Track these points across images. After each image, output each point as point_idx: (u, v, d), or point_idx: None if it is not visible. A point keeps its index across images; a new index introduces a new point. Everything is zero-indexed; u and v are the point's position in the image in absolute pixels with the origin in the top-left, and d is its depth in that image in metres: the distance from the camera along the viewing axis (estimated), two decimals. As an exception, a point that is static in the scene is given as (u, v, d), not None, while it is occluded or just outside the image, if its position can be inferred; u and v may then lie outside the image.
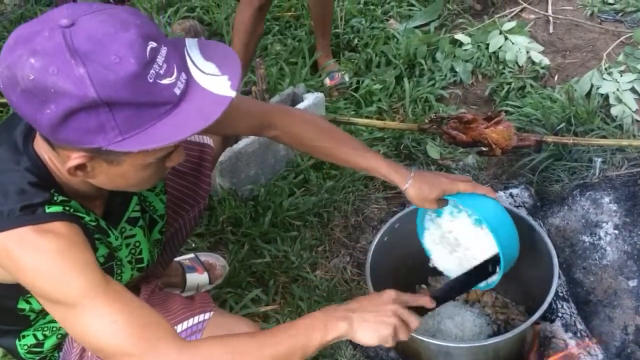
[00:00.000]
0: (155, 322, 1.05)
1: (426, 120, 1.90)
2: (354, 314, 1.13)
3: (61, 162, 1.08)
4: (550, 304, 1.55)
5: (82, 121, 0.94)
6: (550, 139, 1.87)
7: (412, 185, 1.43)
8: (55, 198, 1.08)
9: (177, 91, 0.98)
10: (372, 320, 1.13)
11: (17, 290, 1.15)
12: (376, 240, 1.66)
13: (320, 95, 2.30)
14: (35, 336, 1.32)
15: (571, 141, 1.84)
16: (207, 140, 1.60)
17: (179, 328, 1.31)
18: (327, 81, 2.65)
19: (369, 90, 2.59)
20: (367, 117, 2.44)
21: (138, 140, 0.96)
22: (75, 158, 1.01)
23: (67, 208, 1.09)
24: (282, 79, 2.56)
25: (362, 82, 2.63)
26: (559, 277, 1.73)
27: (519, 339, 1.46)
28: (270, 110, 1.49)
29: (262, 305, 1.85)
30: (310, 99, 2.27)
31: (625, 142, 1.87)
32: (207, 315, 1.33)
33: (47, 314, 1.26)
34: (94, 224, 1.18)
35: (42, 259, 1.02)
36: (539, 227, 1.67)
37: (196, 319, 1.33)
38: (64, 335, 1.34)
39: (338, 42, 2.88)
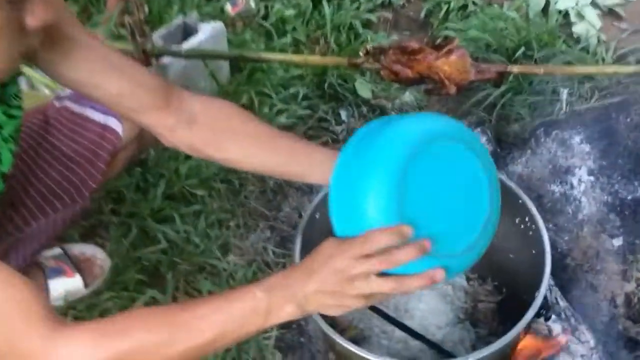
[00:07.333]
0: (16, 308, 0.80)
1: (360, 53, 1.47)
2: (307, 295, 0.89)
3: None
4: (545, 297, 1.19)
5: None
6: (515, 69, 1.48)
7: None
8: None
9: None
10: (331, 303, 0.90)
11: None
12: (305, 219, 1.23)
13: (219, 25, 1.90)
14: None
15: (542, 71, 1.46)
16: (115, 124, 1.24)
17: None
18: (229, 8, 2.18)
19: (280, 17, 2.18)
20: (281, 51, 2.04)
21: None
22: None
23: None
24: (169, 5, 2.08)
25: (272, 7, 2.21)
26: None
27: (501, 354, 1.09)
28: (180, 90, 1.10)
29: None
30: (206, 31, 1.85)
31: (610, 70, 1.52)
32: None
33: None
34: None
35: None
36: (511, 183, 1.29)
37: None
38: None
39: (239, -42, 2.38)
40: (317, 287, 0.87)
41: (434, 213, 0.90)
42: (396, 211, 0.86)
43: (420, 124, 0.93)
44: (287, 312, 0.89)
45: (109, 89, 1.02)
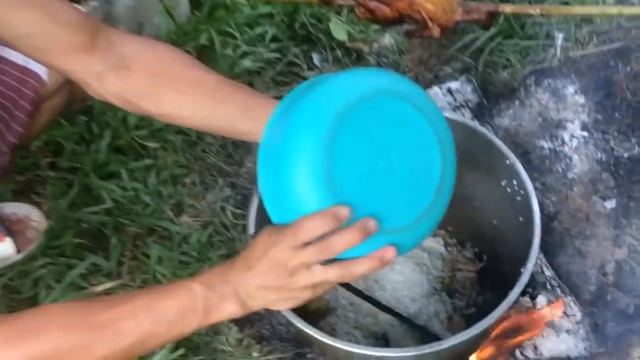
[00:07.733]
0: None
1: (331, -14, 1.28)
2: (248, 292, 0.79)
3: None
4: (532, 274, 1.06)
5: None
6: (508, 8, 1.31)
7: None
8: None
9: None
10: (276, 297, 0.80)
11: None
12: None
13: (174, -47, 1.65)
14: None
15: (538, 11, 1.29)
16: (36, 67, 1.08)
17: None
18: None
19: (247, -54, 1.95)
20: (247, -14, 1.85)
21: None
22: None
23: None
24: None
25: None
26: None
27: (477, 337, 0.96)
28: (110, 29, 0.93)
29: (101, 280, 1.26)
30: (160, -40, 1.60)
31: (613, 10, 1.34)
32: None
33: None
34: None
35: None
36: (499, 141, 1.14)
37: None
38: None
39: None
40: (259, 283, 0.77)
41: (376, 183, 0.76)
42: (327, 187, 0.72)
43: (354, 79, 0.78)
44: (228, 311, 0.79)
45: (18, 26, 0.84)
